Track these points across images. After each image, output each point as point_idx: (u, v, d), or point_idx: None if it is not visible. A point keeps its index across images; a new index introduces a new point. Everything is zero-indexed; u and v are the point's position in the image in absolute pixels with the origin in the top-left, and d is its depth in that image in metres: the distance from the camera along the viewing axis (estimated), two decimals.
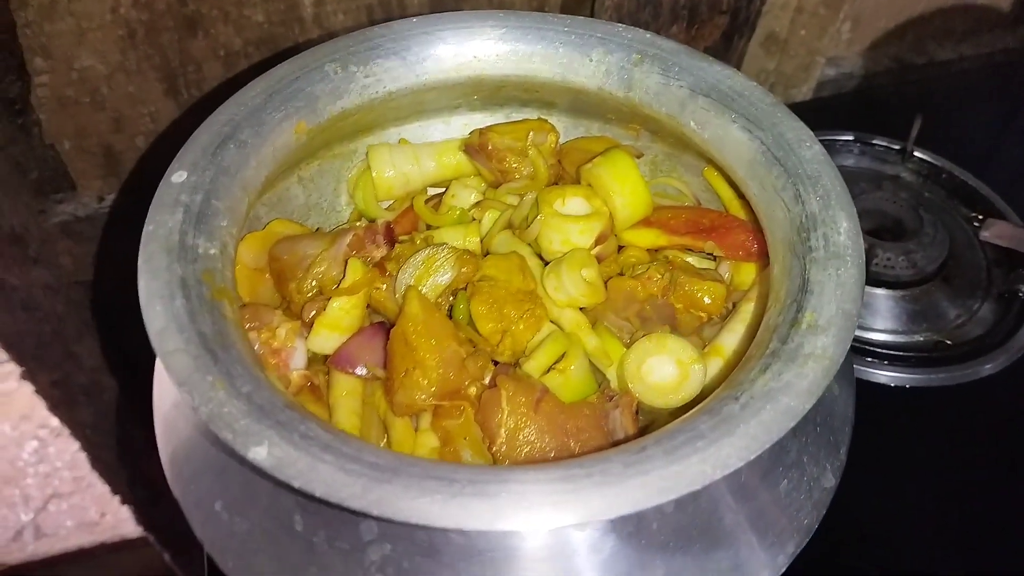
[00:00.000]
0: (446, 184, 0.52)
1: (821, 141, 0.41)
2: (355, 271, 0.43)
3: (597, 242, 0.47)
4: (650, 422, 0.43)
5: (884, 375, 0.63)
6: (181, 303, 0.32)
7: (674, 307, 0.46)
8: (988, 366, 0.63)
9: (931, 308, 0.68)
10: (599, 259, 0.47)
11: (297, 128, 0.42)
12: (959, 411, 0.63)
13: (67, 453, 0.84)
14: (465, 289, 0.45)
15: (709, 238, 0.48)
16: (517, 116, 0.53)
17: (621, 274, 0.48)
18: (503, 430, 0.40)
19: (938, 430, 0.62)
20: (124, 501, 0.92)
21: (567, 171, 0.51)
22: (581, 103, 0.49)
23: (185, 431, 0.38)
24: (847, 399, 0.43)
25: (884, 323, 0.67)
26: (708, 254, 0.49)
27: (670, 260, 0.48)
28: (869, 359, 0.64)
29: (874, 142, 0.79)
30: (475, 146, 0.50)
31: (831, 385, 0.35)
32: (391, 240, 0.46)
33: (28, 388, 0.73)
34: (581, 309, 0.46)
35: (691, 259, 0.49)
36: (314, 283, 0.44)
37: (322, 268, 0.44)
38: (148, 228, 0.34)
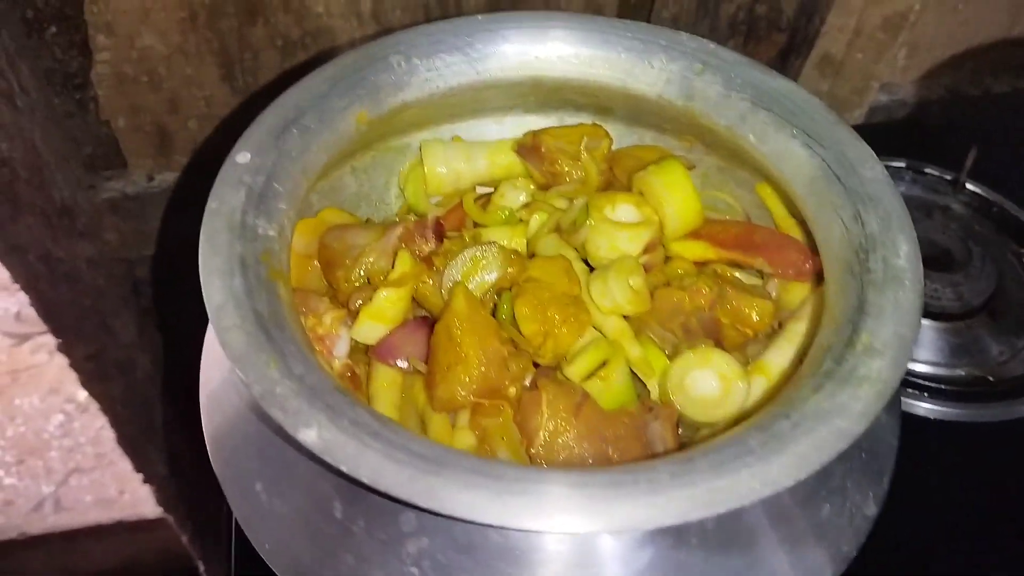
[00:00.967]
0: (496, 184, 0.52)
1: None
2: (404, 263, 0.43)
3: (645, 251, 0.47)
4: (687, 439, 0.43)
5: (923, 407, 0.62)
6: (239, 281, 0.32)
7: (720, 322, 0.46)
8: None
9: (975, 343, 0.67)
10: (646, 268, 0.47)
11: (358, 117, 0.42)
12: (997, 449, 0.61)
13: (91, 429, 0.85)
14: (510, 289, 0.45)
15: (759, 254, 0.47)
16: (571, 120, 0.53)
17: (668, 285, 0.47)
18: (542, 433, 0.40)
19: (975, 467, 0.61)
20: (145, 480, 0.93)
21: (618, 178, 0.51)
22: (638, 110, 0.49)
23: (231, 408, 0.38)
24: (893, 428, 0.42)
25: (926, 355, 0.65)
26: (756, 271, 0.49)
27: (718, 274, 0.47)
28: (909, 390, 0.62)
29: (926, 171, 0.78)
30: (528, 147, 0.50)
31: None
32: (440, 235, 0.46)
33: (58, 362, 0.74)
34: (625, 317, 0.45)
35: (738, 274, 0.49)
36: (362, 272, 0.44)
37: (371, 258, 0.44)
38: (211, 205, 0.34)
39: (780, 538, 0.37)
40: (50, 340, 0.72)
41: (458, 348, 0.40)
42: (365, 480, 0.28)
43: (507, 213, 0.50)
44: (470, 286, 0.44)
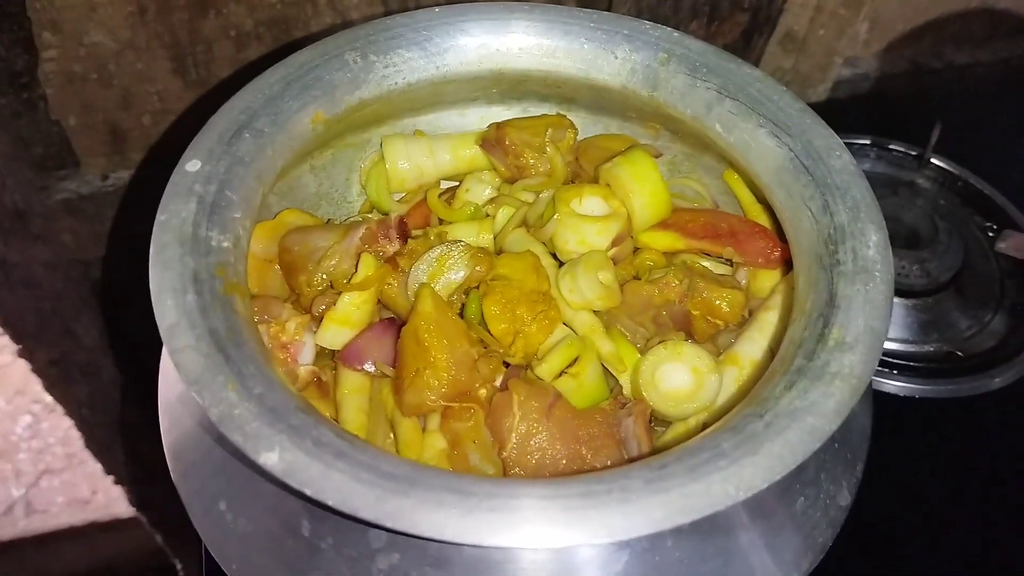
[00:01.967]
0: (460, 177, 0.51)
1: None
2: (367, 266, 0.42)
3: (614, 244, 0.46)
4: (662, 433, 0.43)
5: (893, 385, 0.62)
6: (192, 298, 0.31)
7: (691, 314, 0.45)
8: (998, 379, 0.63)
9: (943, 318, 0.67)
10: (615, 261, 0.46)
11: (314, 118, 0.41)
12: (967, 423, 0.62)
13: (60, 429, 0.84)
14: (478, 288, 0.44)
15: (728, 243, 0.47)
16: (535, 110, 0.51)
17: (637, 278, 0.47)
18: (514, 435, 0.39)
19: (946, 442, 0.62)
20: (117, 481, 0.92)
21: (584, 169, 0.50)
22: (603, 100, 0.48)
23: (190, 426, 0.37)
24: (865, 415, 0.42)
25: (894, 332, 0.66)
26: (725, 259, 0.48)
27: (688, 265, 0.47)
28: (878, 368, 0.63)
29: (891, 147, 0.78)
30: (492, 140, 0.49)
31: None
32: (404, 235, 0.45)
33: (23, 363, 0.72)
34: (595, 312, 0.45)
35: (707, 263, 0.49)
36: (325, 276, 0.43)
37: (333, 262, 0.43)
38: (161, 218, 0.33)
39: (758, 532, 0.36)
40: (11, 342, 0.70)
41: (426, 352, 0.40)
42: (331, 504, 0.27)
43: (473, 208, 0.49)
44: (437, 287, 0.43)
